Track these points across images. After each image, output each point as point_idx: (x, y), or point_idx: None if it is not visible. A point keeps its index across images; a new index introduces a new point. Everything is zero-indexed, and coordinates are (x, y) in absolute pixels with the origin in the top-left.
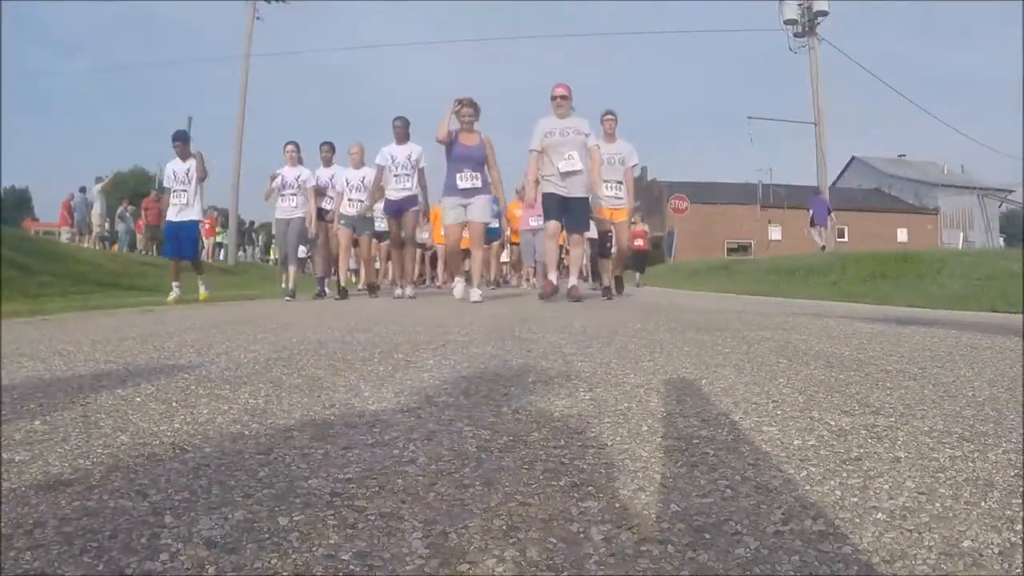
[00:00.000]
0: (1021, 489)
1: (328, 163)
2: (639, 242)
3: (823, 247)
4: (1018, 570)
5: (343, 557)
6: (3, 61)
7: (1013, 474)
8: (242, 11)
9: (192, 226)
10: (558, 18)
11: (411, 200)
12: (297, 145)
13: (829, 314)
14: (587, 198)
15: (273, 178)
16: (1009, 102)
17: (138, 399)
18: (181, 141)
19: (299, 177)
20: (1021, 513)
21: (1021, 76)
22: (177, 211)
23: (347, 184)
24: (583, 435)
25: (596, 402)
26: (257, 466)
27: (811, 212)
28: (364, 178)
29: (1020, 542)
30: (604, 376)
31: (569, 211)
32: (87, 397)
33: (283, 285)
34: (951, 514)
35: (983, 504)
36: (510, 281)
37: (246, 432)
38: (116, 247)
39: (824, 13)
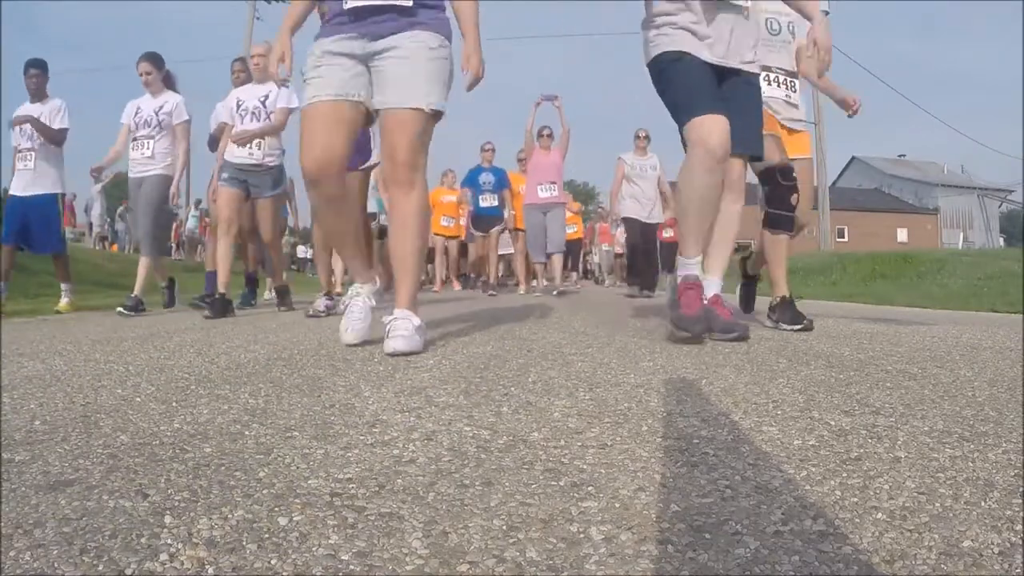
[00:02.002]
0: (1021, 489)
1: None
2: (669, 232)
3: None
4: (1018, 570)
5: (343, 557)
6: (3, 61)
7: (1013, 474)
8: (242, 11)
9: (44, 202)
10: (558, 18)
11: (363, 149)
12: (155, 62)
13: (829, 314)
14: (758, 83)
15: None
16: (1009, 102)
17: (138, 399)
18: (38, 70)
19: (161, 109)
20: (1021, 513)
21: (1021, 76)
22: (25, 182)
23: (237, 109)
24: (583, 435)
25: (596, 402)
26: (257, 466)
27: None
28: (267, 98)
29: (1020, 542)
30: (604, 376)
31: (733, 101)
32: (87, 397)
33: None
34: (951, 514)
35: (983, 504)
36: (512, 285)
37: (246, 432)
38: (115, 247)
39: (824, 13)
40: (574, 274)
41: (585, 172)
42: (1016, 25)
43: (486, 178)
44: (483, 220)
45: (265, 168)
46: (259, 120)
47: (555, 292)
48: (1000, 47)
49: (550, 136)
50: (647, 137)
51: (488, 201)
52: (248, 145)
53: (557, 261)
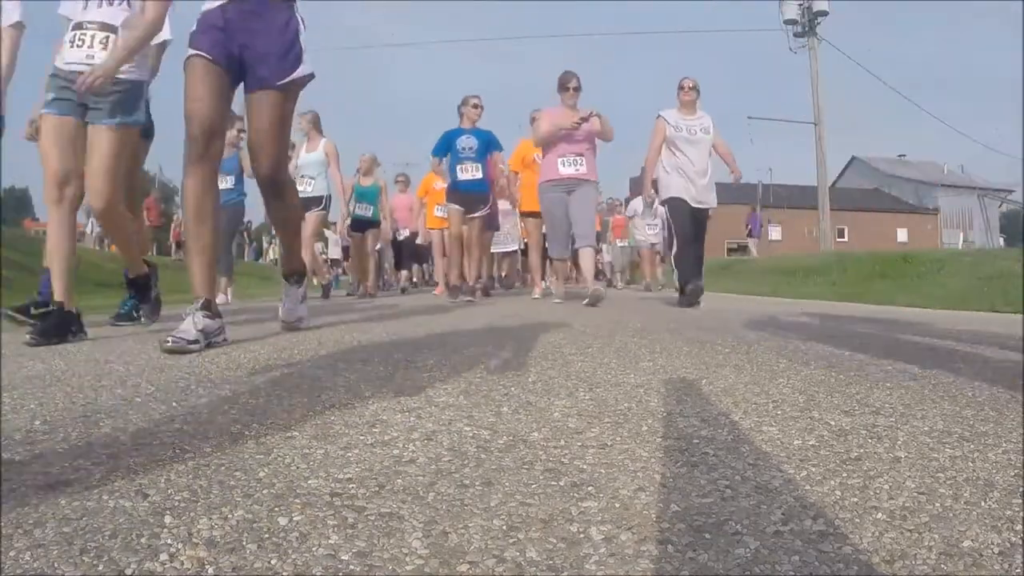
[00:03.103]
0: (1021, 489)
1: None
2: None
3: (754, 254)
4: (1018, 570)
5: (343, 557)
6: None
7: (1013, 474)
8: None
9: None
10: (558, 18)
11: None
12: None
13: (830, 314)
14: None
15: None
16: (1009, 102)
17: (138, 399)
18: None
19: None
20: (1021, 513)
21: (1021, 76)
22: None
23: None
24: (583, 435)
25: (596, 402)
26: (257, 466)
27: (749, 226)
28: None
29: (1020, 542)
30: (604, 376)
31: None
32: (87, 397)
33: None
34: (951, 514)
35: (983, 504)
36: (519, 286)
37: (246, 432)
38: (115, 248)
39: (824, 13)
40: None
41: None
42: (1016, 25)
43: (467, 142)
44: (462, 197)
45: (114, 83)
46: (111, 3)
47: (586, 300)
48: (1000, 47)
49: (577, 90)
50: (695, 88)
51: (469, 172)
52: (85, 43)
53: (588, 257)
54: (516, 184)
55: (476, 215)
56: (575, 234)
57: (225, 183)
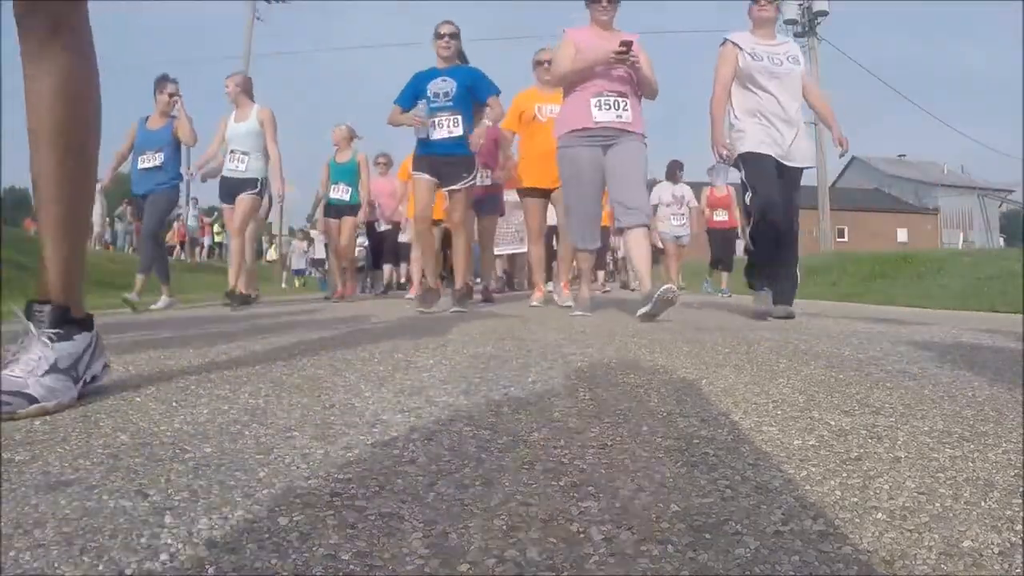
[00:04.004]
0: (1021, 489)
1: None
2: (721, 215)
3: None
4: (1018, 570)
5: (343, 557)
6: (3, 61)
7: (1013, 474)
8: (242, 11)
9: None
10: (558, 18)
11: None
12: None
13: (829, 314)
14: None
15: None
16: (1009, 102)
17: (138, 399)
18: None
19: None
20: (1021, 513)
21: (1021, 76)
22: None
23: None
24: (583, 435)
25: (596, 402)
26: (257, 466)
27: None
28: None
29: (1020, 542)
30: (604, 376)
31: None
32: (87, 397)
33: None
34: (951, 514)
35: (983, 504)
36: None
37: (246, 432)
38: (112, 248)
39: (824, 13)
40: (600, 273)
41: None
42: (1016, 25)
43: (440, 86)
44: (433, 163)
45: None
46: None
47: (644, 309)
48: (1000, 47)
49: (612, 1)
50: (774, 3)
51: (447, 128)
52: None
53: (642, 241)
54: (508, 144)
55: (456, 187)
56: (619, 205)
57: (153, 160)
